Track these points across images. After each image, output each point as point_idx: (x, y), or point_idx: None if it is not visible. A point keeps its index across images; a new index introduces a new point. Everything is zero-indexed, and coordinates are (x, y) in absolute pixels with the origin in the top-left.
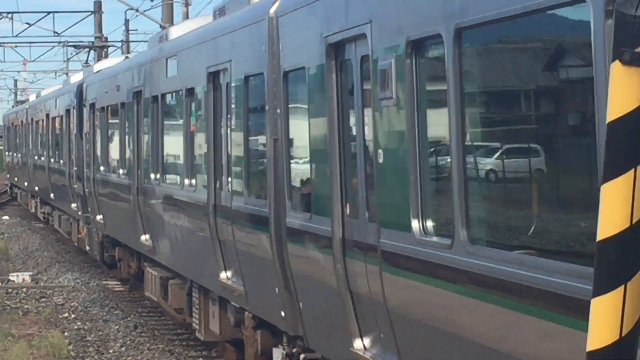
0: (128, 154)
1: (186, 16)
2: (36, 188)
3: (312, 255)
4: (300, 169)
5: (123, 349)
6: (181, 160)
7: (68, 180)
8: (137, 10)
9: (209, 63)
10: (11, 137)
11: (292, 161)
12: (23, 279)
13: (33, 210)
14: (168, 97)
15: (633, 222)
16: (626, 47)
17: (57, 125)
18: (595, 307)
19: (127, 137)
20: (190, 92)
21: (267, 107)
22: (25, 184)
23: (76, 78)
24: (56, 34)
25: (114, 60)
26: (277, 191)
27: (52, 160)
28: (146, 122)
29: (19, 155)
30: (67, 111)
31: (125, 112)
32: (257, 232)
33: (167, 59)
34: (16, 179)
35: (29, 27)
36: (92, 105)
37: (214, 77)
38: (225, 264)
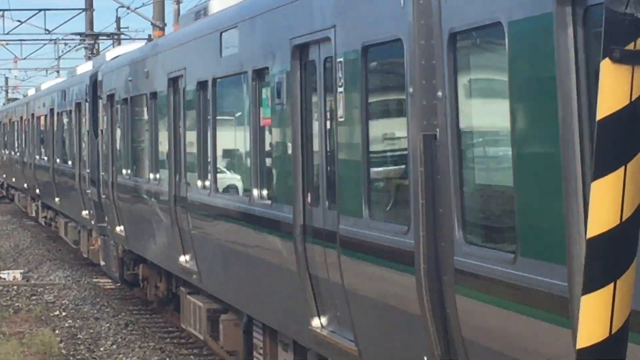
0: (162, 155)
1: (177, 14)
2: (37, 191)
3: (519, 321)
4: (487, 180)
5: (114, 347)
6: (246, 164)
7: (78, 184)
8: (128, 8)
9: (294, 33)
10: (8, 134)
11: (468, 168)
12: (14, 276)
13: (33, 215)
14: (223, 82)
15: (623, 220)
16: (616, 45)
17: (64, 121)
18: (585, 305)
19: (160, 134)
20: (261, 74)
21: (410, 90)
22: (25, 185)
23: (84, 68)
24: (47, 32)
25: (133, 45)
26: (431, 214)
27: (58, 160)
28: (188, 115)
29: (17, 153)
30: (77, 105)
31: (157, 103)
32: (386, 270)
33: (221, 34)
34: (14, 179)
35: (20, 25)
36: (111, 97)
37: (301, 51)
38: (320, 307)
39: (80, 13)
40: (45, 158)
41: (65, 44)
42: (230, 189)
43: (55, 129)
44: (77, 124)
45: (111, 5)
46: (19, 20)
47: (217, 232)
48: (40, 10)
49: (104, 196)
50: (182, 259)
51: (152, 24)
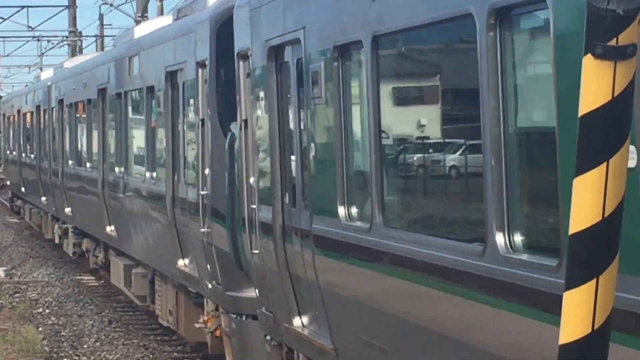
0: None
1: (161, 11)
2: (68, 210)
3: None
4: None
5: (97, 344)
6: None
7: (171, 214)
8: (111, 5)
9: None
10: (15, 131)
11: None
12: None
13: (57, 241)
14: None
15: (605, 216)
16: (598, 41)
17: (131, 108)
18: (567, 301)
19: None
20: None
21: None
22: (43, 199)
23: (144, 30)
24: (30, 29)
25: None
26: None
27: (117, 170)
28: None
29: (31, 157)
30: (170, 77)
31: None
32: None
33: None
34: (23, 189)
35: (2, 22)
36: (278, 51)
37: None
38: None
39: (63, 10)
40: (88, 165)
41: (48, 41)
42: None
43: (108, 121)
44: (170, 111)
45: (94, 2)
46: (1, 17)
47: None
48: (22, 7)
49: (256, 251)
50: None
51: (135, 20)
